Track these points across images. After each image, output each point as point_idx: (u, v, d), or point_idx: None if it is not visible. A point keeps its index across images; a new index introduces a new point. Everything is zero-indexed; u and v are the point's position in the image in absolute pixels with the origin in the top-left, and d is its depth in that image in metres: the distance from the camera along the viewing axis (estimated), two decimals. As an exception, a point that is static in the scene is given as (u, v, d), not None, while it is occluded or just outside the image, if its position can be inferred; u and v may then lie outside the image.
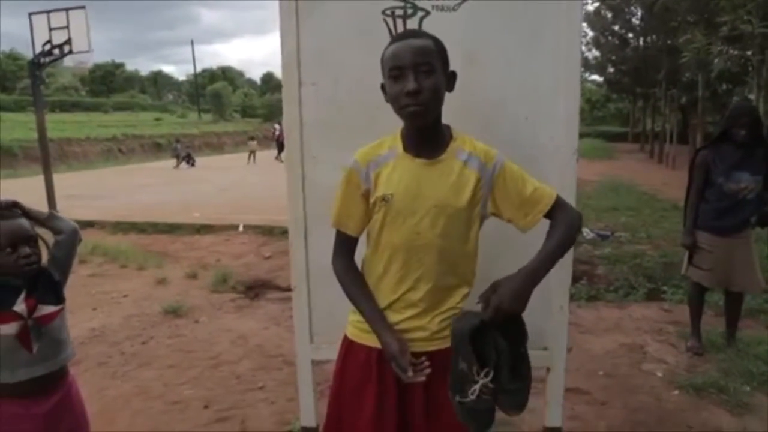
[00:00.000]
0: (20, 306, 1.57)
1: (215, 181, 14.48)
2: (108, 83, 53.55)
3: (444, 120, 1.40)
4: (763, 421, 2.67)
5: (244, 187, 12.86)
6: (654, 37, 17.43)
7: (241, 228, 7.80)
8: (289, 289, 5.76)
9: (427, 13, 1.78)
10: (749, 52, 8.46)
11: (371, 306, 1.44)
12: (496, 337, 1.29)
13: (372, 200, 1.42)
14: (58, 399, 1.71)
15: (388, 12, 1.79)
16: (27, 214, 1.65)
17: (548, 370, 1.95)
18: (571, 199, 1.71)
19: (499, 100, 1.80)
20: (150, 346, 3.79)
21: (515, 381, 1.31)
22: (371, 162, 1.42)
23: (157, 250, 6.74)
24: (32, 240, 1.63)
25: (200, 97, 44.66)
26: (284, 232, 7.48)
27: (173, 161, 20.70)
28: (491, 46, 1.77)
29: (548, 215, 1.37)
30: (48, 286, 1.68)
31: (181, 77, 68.64)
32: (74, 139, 23.38)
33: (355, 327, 1.50)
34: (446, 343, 1.37)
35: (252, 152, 21.39)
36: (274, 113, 44.26)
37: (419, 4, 1.77)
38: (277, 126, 22.92)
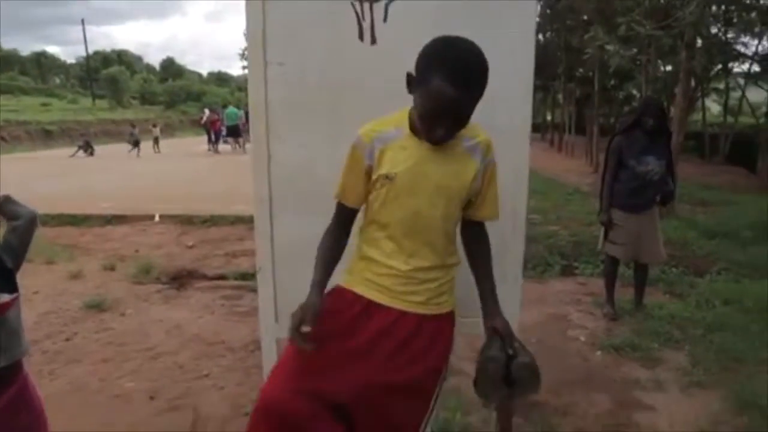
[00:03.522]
0: None
1: (120, 171, 13.57)
2: (-22, 64, 47.83)
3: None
4: (671, 371, 3.07)
5: (154, 176, 12.17)
6: (552, 33, 18.62)
7: (157, 218, 7.43)
8: (217, 278, 5.62)
9: (394, -2, 1.83)
10: (635, 50, 9.35)
11: (323, 271, 1.46)
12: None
13: (374, 177, 1.43)
14: (13, 393, 1.60)
15: (356, -5, 1.83)
16: None
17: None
18: (524, 175, 1.90)
19: (460, 84, 1.90)
20: (76, 342, 3.55)
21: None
22: (375, 139, 1.43)
23: (66, 243, 6.24)
24: None
25: (93, 82, 41.20)
26: (205, 222, 7.23)
27: (71, 150, 19.04)
28: (456, 33, 1.86)
29: (477, 224, 1.55)
30: (0, 273, 1.56)
31: (69, 59, 62.67)
32: (-58, 124, 20.82)
33: (344, 280, 1.52)
34: (435, 310, 1.49)
35: (156, 139, 20.28)
36: (176, 100, 41.97)
37: (387, -12, 1.82)
38: (206, 111, 21.86)
